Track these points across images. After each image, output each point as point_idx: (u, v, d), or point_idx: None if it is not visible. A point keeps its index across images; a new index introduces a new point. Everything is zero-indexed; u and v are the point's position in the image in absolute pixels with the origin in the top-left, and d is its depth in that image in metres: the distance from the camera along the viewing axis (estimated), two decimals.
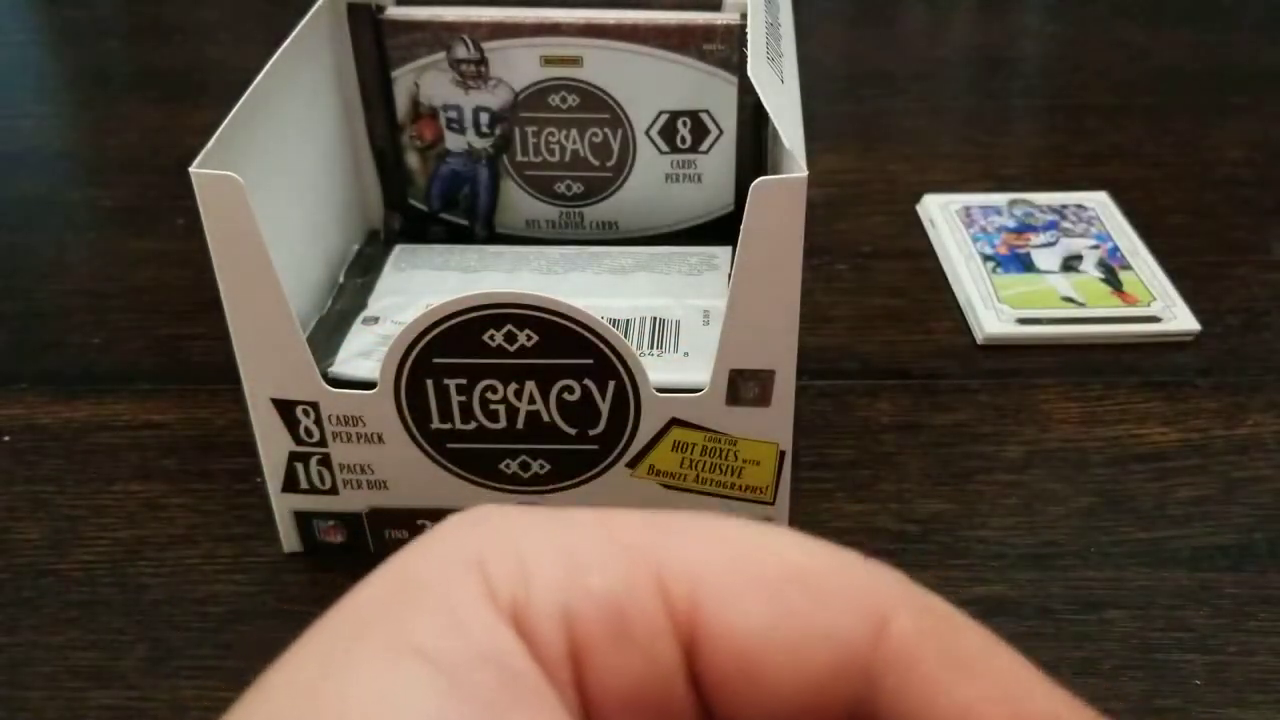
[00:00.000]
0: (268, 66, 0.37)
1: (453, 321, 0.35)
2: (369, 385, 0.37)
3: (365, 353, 0.39)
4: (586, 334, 0.35)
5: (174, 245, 0.59)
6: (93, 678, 0.37)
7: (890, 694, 0.15)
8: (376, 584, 0.16)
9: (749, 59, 0.35)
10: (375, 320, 0.41)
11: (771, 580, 0.15)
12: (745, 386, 0.36)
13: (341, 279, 0.44)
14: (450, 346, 0.35)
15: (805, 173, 0.32)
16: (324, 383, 0.36)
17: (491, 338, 0.35)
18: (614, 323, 0.41)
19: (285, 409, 0.37)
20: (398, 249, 0.46)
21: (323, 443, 0.37)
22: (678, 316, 0.42)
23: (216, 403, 0.48)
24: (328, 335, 0.41)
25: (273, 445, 0.38)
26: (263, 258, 0.34)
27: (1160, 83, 0.74)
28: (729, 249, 0.45)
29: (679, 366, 0.39)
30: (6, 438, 0.47)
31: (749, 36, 0.37)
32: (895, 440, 0.46)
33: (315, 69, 0.42)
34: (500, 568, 0.15)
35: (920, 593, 0.16)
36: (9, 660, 0.37)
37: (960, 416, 0.47)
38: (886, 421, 0.47)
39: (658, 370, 0.37)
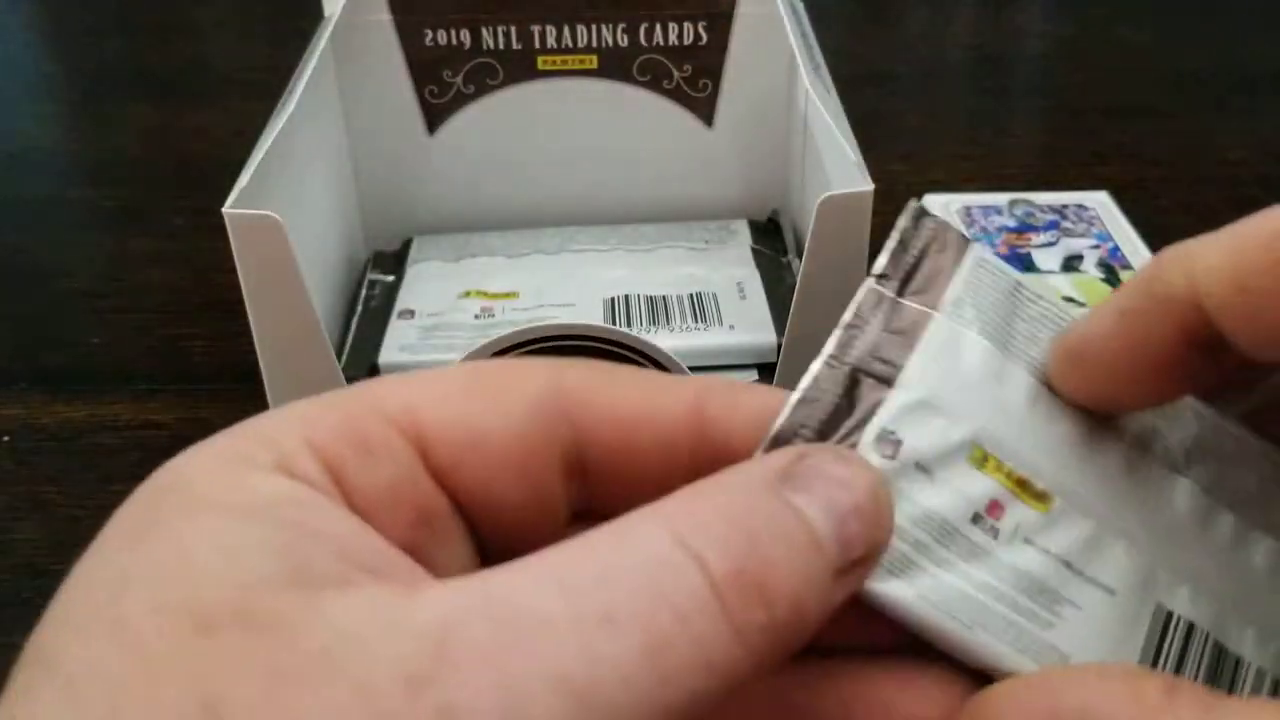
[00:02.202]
0: (291, 103, 0.37)
1: (504, 357, 0.34)
2: None
3: (409, 347, 0.39)
4: (644, 361, 0.34)
5: (174, 245, 0.59)
6: None
7: (587, 425, 0.19)
8: (141, 498, 0.17)
9: (801, 72, 0.35)
10: (411, 314, 0.41)
11: (462, 378, 0.19)
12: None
13: (367, 278, 0.44)
14: None
15: (871, 186, 0.32)
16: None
17: None
18: (652, 300, 0.41)
19: None
20: (415, 241, 0.46)
21: None
22: (715, 289, 0.41)
23: (216, 403, 0.47)
24: (366, 334, 0.40)
25: None
26: (302, 299, 0.33)
27: (1160, 83, 0.74)
28: (743, 220, 0.46)
29: (728, 336, 0.39)
30: (6, 438, 0.47)
31: (794, 49, 0.38)
32: None
33: (323, 86, 0.42)
34: (248, 443, 0.18)
35: (585, 360, 0.20)
36: (9, 661, 0.37)
37: None
38: None
39: (706, 339, 0.36)
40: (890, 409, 0.18)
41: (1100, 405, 0.20)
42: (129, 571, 0.15)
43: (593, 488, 0.19)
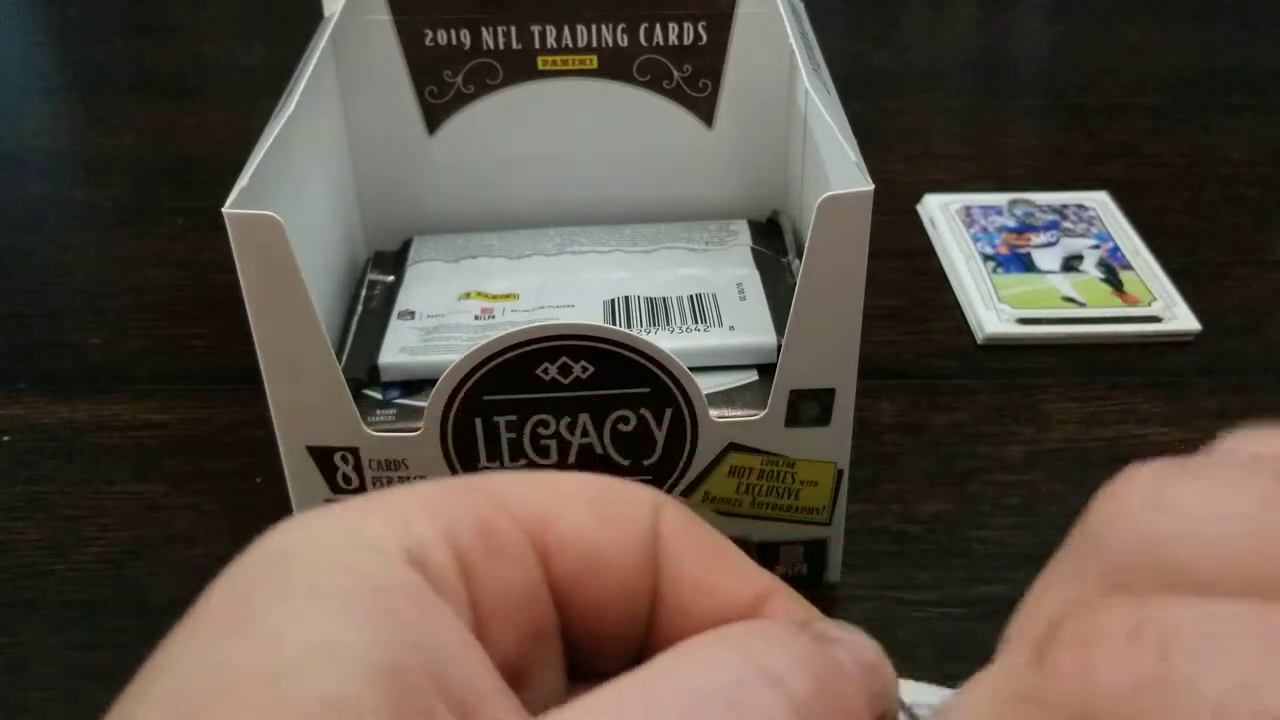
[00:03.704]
0: (291, 103, 0.37)
1: (505, 357, 0.34)
2: (416, 382, 0.36)
3: (408, 348, 0.39)
4: (644, 361, 0.34)
5: (174, 245, 0.59)
6: (93, 678, 0.37)
7: (666, 572, 0.19)
8: (247, 568, 0.16)
9: (801, 72, 0.35)
10: (411, 315, 0.41)
11: (584, 494, 0.19)
12: (805, 407, 0.36)
13: (366, 279, 0.44)
14: (501, 383, 0.34)
15: (871, 186, 0.32)
16: (365, 428, 0.35)
17: (545, 371, 0.34)
18: (652, 301, 0.41)
19: (322, 456, 0.36)
20: (415, 241, 0.46)
21: (362, 489, 0.36)
22: (715, 290, 0.41)
23: (216, 403, 0.48)
24: (366, 334, 0.40)
25: (307, 494, 0.36)
26: (302, 299, 0.33)
27: (1160, 83, 0.74)
28: (744, 220, 0.46)
29: (728, 337, 0.39)
30: (6, 438, 0.47)
31: (793, 49, 0.38)
32: (896, 440, 0.46)
33: (323, 86, 0.42)
34: (374, 524, 0.16)
35: (671, 499, 0.20)
36: (9, 660, 0.37)
37: (960, 416, 0.47)
38: (887, 421, 0.47)
39: (706, 340, 0.36)
40: None
41: None
42: (217, 670, 0.14)
43: (649, 635, 0.19)
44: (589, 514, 0.18)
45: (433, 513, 0.17)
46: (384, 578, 0.15)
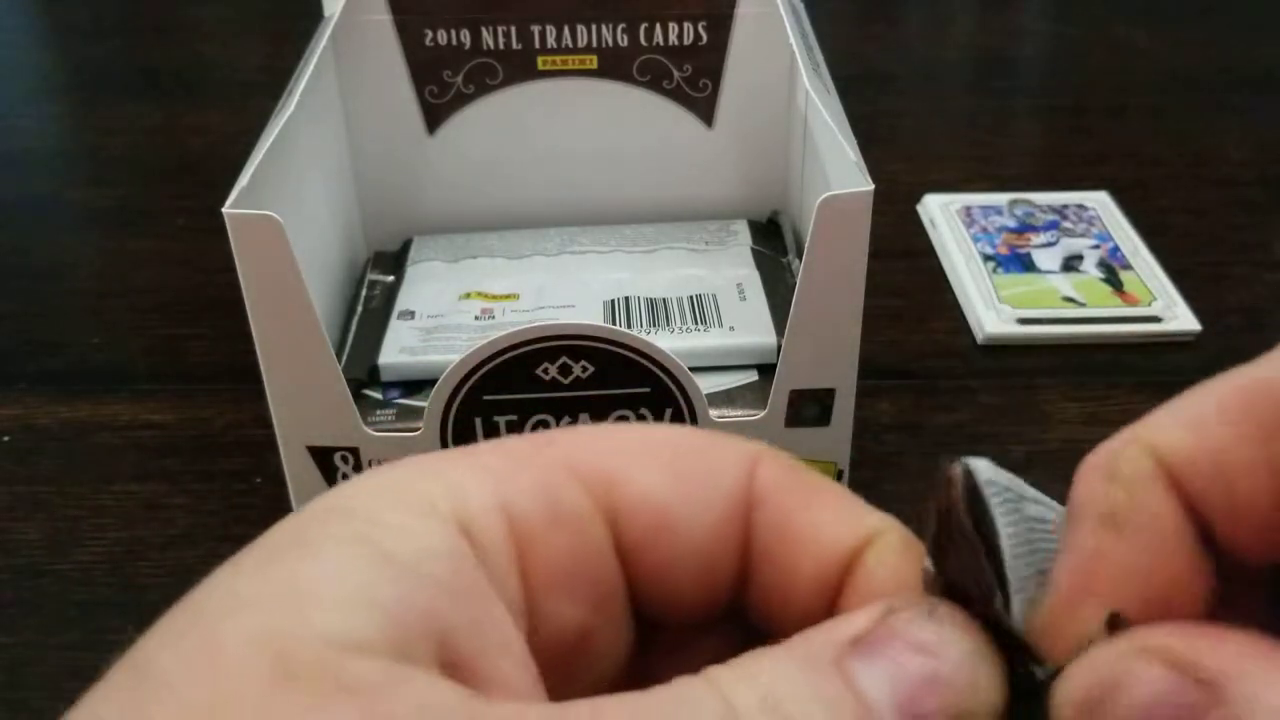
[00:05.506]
0: (291, 103, 0.37)
1: (505, 357, 0.34)
2: (416, 382, 0.36)
3: (408, 348, 0.39)
4: (644, 361, 0.34)
5: (174, 245, 0.59)
6: (93, 678, 0.37)
7: (762, 526, 0.18)
8: (305, 514, 0.16)
9: (801, 72, 0.35)
10: (411, 315, 0.41)
11: (664, 451, 0.18)
12: (805, 407, 0.36)
13: (366, 279, 0.44)
14: (501, 383, 0.34)
15: (871, 186, 0.32)
16: (365, 428, 0.35)
17: (545, 371, 0.34)
18: (652, 302, 0.41)
19: (322, 456, 0.36)
20: (415, 241, 0.46)
21: None
22: (715, 290, 0.41)
23: (216, 403, 0.47)
24: (366, 334, 0.40)
25: (307, 494, 0.36)
26: (302, 299, 0.33)
27: (1160, 83, 0.74)
28: (744, 220, 0.46)
29: (728, 338, 0.39)
30: (6, 438, 0.47)
31: (794, 49, 0.38)
32: (896, 440, 0.46)
33: (323, 86, 0.42)
34: (433, 485, 0.16)
35: (775, 450, 0.19)
36: (9, 660, 0.37)
37: (961, 416, 0.47)
38: (887, 421, 0.47)
39: (706, 340, 0.36)
40: None
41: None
42: (244, 594, 0.15)
43: (747, 589, 0.19)
44: (663, 473, 0.18)
45: (495, 479, 0.17)
46: (427, 541, 0.15)
